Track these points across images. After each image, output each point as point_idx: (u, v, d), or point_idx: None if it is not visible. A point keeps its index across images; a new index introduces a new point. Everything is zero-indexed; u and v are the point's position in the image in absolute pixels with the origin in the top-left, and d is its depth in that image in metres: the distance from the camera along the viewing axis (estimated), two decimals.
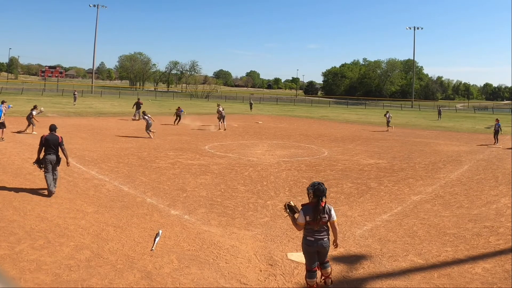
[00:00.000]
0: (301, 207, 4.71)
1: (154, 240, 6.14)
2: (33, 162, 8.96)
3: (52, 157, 8.70)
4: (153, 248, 5.94)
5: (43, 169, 8.69)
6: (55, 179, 8.75)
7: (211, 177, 10.98)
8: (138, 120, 26.27)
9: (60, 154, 8.87)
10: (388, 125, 27.60)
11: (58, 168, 8.86)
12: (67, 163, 9.02)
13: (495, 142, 20.39)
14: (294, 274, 5.35)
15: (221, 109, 24.00)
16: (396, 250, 6.26)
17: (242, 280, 5.13)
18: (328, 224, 4.71)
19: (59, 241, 6.04)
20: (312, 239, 4.64)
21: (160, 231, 6.42)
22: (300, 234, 6.80)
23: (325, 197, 4.72)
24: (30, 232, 6.30)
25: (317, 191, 4.66)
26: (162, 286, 4.89)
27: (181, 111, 26.08)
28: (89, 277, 4.96)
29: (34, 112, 18.26)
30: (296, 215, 4.75)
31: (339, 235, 5.19)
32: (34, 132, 18.03)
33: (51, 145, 8.72)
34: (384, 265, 5.71)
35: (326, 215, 4.63)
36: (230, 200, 8.85)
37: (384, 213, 8.23)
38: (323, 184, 4.75)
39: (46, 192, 8.56)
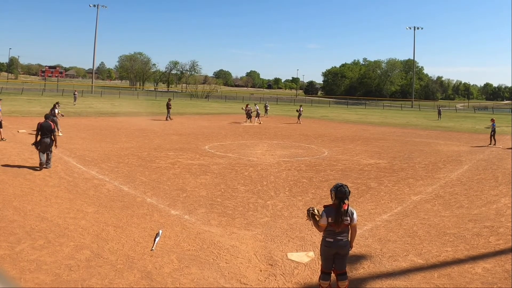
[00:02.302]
0: (323, 208, 4.64)
1: (154, 240, 6.14)
2: (32, 144, 10.88)
3: (46, 140, 10.69)
4: (153, 248, 5.94)
5: (39, 149, 10.62)
6: (49, 159, 10.79)
7: (211, 177, 10.98)
8: (169, 120, 27.91)
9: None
10: (298, 118, 31.38)
11: (51, 149, 10.82)
12: (55, 145, 10.99)
13: (491, 143, 20.19)
14: (294, 274, 5.35)
15: (257, 107, 30.29)
16: (396, 250, 6.26)
17: (242, 280, 5.13)
18: (349, 226, 4.62)
19: (59, 241, 6.04)
20: (332, 240, 4.56)
21: (160, 231, 6.42)
22: (301, 234, 6.83)
23: (348, 199, 4.63)
24: (30, 232, 6.30)
25: (339, 193, 4.55)
26: (162, 286, 4.89)
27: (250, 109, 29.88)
28: (89, 277, 4.96)
29: (56, 111, 18.22)
30: (317, 217, 4.68)
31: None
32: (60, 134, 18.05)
33: (45, 131, 10.73)
34: (384, 265, 5.71)
35: (348, 218, 4.54)
36: (230, 200, 8.85)
37: (384, 213, 8.23)
38: (347, 186, 4.64)
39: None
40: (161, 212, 7.77)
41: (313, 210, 4.75)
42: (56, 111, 18.17)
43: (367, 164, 13.90)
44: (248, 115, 29.34)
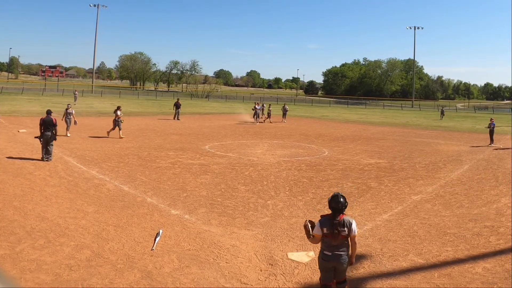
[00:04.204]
0: (319, 218, 4.42)
1: (155, 240, 6.14)
2: (35, 137, 12.03)
3: (48, 133, 11.78)
4: (153, 248, 5.94)
5: (41, 142, 11.77)
6: (50, 152, 11.82)
7: (212, 176, 10.98)
8: (177, 120, 28.15)
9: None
10: (284, 117, 31.86)
11: (52, 142, 11.90)
12: (55, 138, 12.08)
13: (492, 142, 20.18)
14: (295, 274, 5.35)
15: (270, 108, 31.48)
16: (397, 249, 6.26)
17: (242, 280, 5.13)
18: (348, 238, 4.33)
19: (60, 240, 6.04)
20: (330, 253, 4.29)
21: (161, 231, 6.42)
22: (301, 234, 6.82)
23: (343, 210, 4.33)
24: (31, 232, 6.30)
25: (332, 203, 4.31)
26: (163, 286, 4.89)
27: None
28: (89, 277, 4.97)
29: (118, 112, 18.20)
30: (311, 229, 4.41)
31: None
32: (122, 137, 17.79)
33: (47, 125, 11.83)
34: (384, 264, 5.71)
35: (345, 229, 4.24)
36: (231, 199, 8.85)
37: (385, 212, 8.23)
38: (343, 196, 4.37)
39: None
40: (161, 211, 7.77)
41: (307, 222, 4.47)
42: (119, 113, 18.18)
43: (368, 163, 13.89)
44: (263, 115, 29.82)
